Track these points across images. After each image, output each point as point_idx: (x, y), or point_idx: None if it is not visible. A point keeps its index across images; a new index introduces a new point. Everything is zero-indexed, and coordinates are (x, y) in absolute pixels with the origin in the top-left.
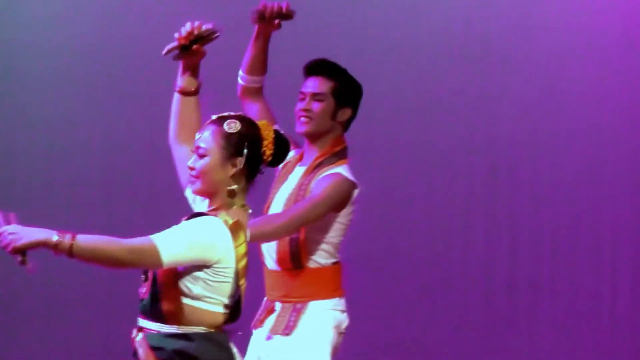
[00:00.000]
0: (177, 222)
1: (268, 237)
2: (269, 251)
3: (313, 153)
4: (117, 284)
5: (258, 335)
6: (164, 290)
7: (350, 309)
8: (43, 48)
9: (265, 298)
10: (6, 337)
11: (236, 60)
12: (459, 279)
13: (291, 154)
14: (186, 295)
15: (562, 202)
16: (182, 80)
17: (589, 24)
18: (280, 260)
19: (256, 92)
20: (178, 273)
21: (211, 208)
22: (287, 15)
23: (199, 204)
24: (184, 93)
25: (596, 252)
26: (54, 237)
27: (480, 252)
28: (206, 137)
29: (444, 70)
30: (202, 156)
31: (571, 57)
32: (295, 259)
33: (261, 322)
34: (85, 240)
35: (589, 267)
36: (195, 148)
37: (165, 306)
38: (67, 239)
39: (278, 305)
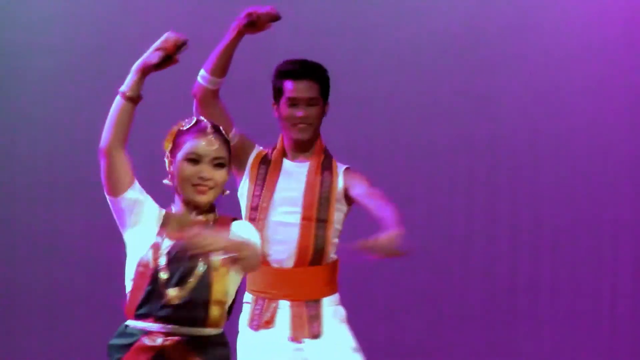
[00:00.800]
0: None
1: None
2: (278, 249)
3: (303, 149)
4: (117, 284)
5: (272, 336)
6: (219, 296)
7: (350, 309)
8: (43, 48)
9: (252, 297)
10: (6, 337)
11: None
12: (460, 280)
13: (258, 150)
14: (227, 301)
15: (562, 202)
16: (133, 88)
17: (589, 24)
18: (299, 257)
19: (215, 94)
20: (233, 279)
21: (212, 213)
22: (276, 18)
23: (147, 212)
24: (132, 100)
25: (596, 252)
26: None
27: (481, 253)
28: (220, 148)
29: (444, 70)
30: (220, 167)
31: (571, 57)
32: (317, 255)
33: (268, 323)
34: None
35: (589, 267)
36: (212, 159)
37: (214, 312)
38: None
39: (284, 304)
